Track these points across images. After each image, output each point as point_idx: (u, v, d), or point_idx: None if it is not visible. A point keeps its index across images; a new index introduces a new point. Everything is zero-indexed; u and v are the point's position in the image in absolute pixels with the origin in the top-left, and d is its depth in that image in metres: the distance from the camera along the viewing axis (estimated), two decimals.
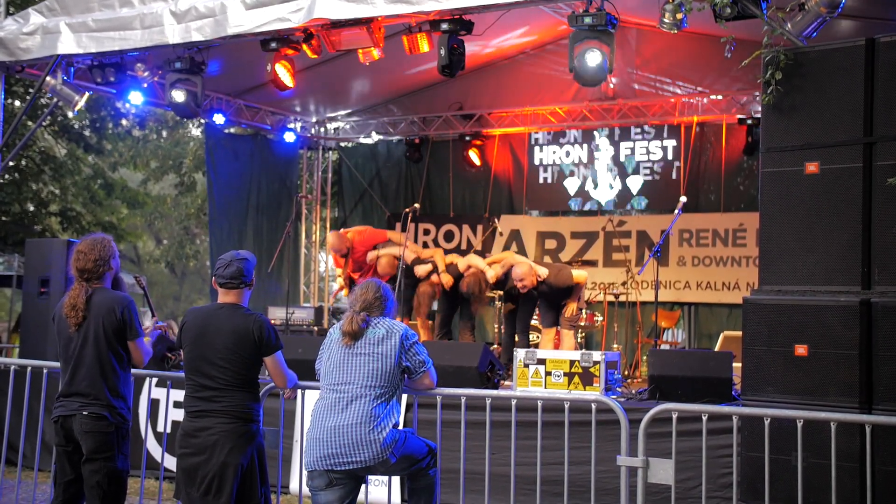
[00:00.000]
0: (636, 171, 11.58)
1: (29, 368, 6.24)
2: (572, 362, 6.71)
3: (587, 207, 11.87)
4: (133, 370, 4.95)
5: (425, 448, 4.67)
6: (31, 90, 14.77)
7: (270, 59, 7.87)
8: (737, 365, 6.07)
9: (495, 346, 9.56)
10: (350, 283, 9.41)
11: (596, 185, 11.78)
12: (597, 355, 6.69)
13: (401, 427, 4.58)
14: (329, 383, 4.50)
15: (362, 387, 4.40)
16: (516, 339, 8.73)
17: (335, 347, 4.56)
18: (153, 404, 7.28)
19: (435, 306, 13.18)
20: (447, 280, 8.78)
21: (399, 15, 6.91)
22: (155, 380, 6.94)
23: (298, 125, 12.79)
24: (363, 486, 4.69)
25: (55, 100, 9.21)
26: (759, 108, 5.74)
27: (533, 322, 9.15)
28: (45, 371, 6.19)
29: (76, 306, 4.72)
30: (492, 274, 8.54)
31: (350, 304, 4.68)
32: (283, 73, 8.12)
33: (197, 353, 4.51)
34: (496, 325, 10.11)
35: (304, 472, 4.54)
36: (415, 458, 4.56)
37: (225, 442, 4.40)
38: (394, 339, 4.50)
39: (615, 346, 10.26)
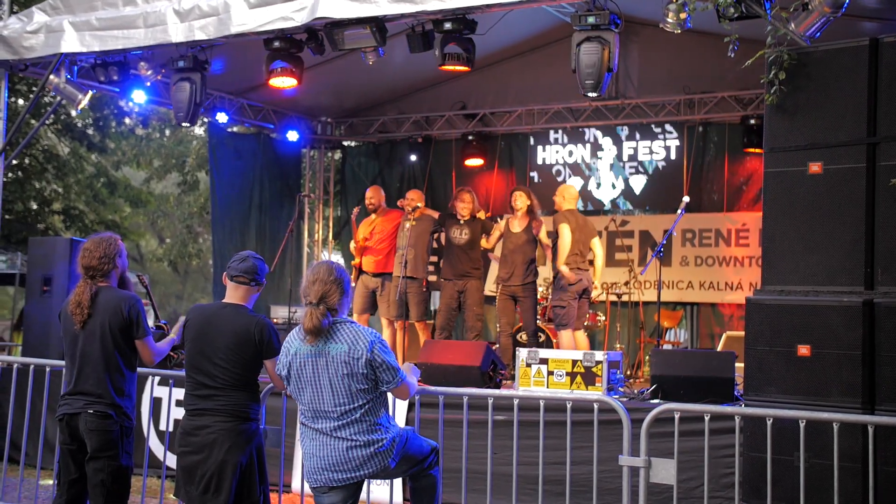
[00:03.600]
0: (639, 171, 11.57)
1: (32, 367, 6.26)
2: (574, 362, 6.71)
3: (590, 207, 11.85)
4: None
5: (426, 448, 4.54)
6: (34, 89, 14.80)
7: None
8: (739, 365, 6.06)
9: (496, 345, 9.57)
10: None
11: (599, 185, 11.77)
12: (599, 355, 6.69)
13: (399, 425, 4.47)
14: (308, 407, 4.19)
15: (345, 411, 4.11)
16: (524, 338, 8.77)
17: (300, 358, 4.18)
18: (156, 403, 7.29)
19: (437, 304, 13.20)
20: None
21: (402, 14, 6.91)
22: (157, 378, 6.94)
23: (301, 124, 12.79)
24: (364, 485, 4.69)
25: (58, 98, 9.23)
26: (763, 108, 5.72)
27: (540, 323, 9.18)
28: (47, 369, 6.20)
29: (81, 304, 4.73)
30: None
31: (303, 294, 4.21)
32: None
33: (198, 351, 4.51)
34: (497, 325, 10.12)
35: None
36: (415, 458, 4.45)
37: (224, 440, 4.40)
38: (359, 353, 4.08)
39: (618, 345, 10.26)
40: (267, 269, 4.75)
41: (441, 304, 9.21)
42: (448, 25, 7.09)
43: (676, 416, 4.84)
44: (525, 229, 8.70)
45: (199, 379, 4.49)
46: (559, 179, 11.94)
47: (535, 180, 12.11)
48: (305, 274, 4.30)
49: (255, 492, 4.51)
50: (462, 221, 9.07)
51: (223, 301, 4.65)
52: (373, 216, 9.58)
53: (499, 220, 10.79)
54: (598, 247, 8.82)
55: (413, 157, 12.71)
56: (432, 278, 9.94)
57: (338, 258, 15.20)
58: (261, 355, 4.51)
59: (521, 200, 8.75)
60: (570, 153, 11.99)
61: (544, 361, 6.80)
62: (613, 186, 11.69)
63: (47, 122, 16.76)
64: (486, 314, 12.49)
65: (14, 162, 15.94)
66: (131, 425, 4.81)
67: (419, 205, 9.23)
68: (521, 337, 9.07)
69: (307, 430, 4.24)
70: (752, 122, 10.43)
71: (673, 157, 11.38)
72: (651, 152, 11.51)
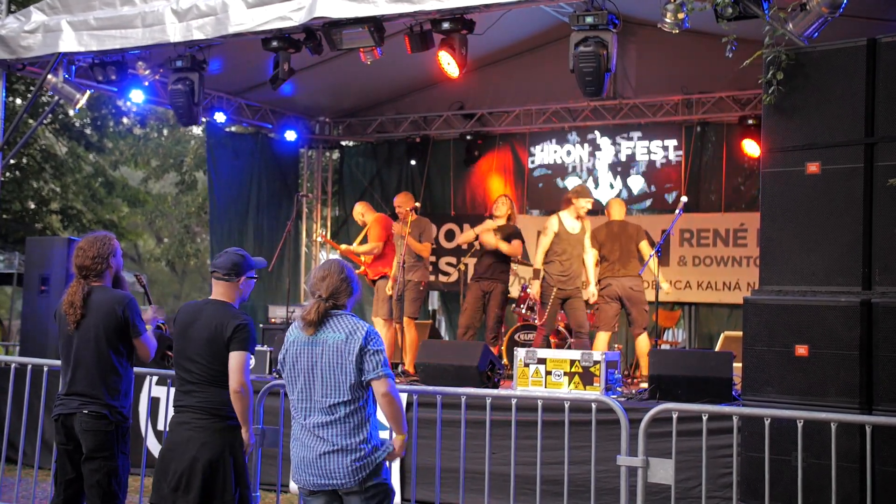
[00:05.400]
0: (637, 171, 11.58)
1: (29, 366, 6.25)
2: (572, 362, 6.71)
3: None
4: (134, 368, 4.96)
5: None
6: (32, 88, 14.78)
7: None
8: (737, 365, 6.07)
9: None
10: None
11: (597, 185, 11.77)
12: (597, 355, 6.70)
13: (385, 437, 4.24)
14: (298, 398, 4.14)
15: (332, 405, 4.04)
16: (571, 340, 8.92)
17: (297, 346, 4.14)
18: (153, 403, 7.29)
19: (436, 304, 13.19)
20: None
21: (400, 14, 6.91)
22: (155, 378, 6.96)
23: (299, 124, 12.78)
24: None
25: (56, 98, 9.21)
26: (761, 108, 5.73)
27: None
28: (45, 369, 6.20)
29: (74, 303, 4.73)
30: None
31: (312, 290, 4.16)
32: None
33: (180, 347, 4.53)
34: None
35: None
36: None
37: (197, 437, 4.38)
38: (354, 342, 4.03)
39: (615, 345, 10.25)
40: (253, 262, 4.68)
41: (467, 303, 9.28)
42: (446, 25, 7.09)
43: (674, 416, 4.85)
44: (581, 230, 8.78)
45: (181, 375, 4.52)
46: (557, 179, 11.96)
47: (533, 180, 12.11)
48: (313, 271, 4.26)
49: (229, 492, 4.42)
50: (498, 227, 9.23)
51: (210, 297, 4.64)
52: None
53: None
54: (646, 248, 8.96)
55: (411, 158, 12.70)
56: (442, 278, 10.04)
57: (335, 258, 15.20)
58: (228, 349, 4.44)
59: (584, 201, 8.78)
60: (568, 153, 11.98)
61: (542, 361, 6.80)
62: (611, 186, 11.69)
63: (45, 121, 16.74)
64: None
65: (12, 161, 15.91)
66: (127, 425, 4.80)
67: (414, 205, 9.29)
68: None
69: (296, 428, 4.19)
70: (750, 122, 10.43)
71: (671, 157, 11.38)
72: (649, 152, 11.51)
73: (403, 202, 9.19)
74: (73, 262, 4.84)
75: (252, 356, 4.52)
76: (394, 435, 4.15)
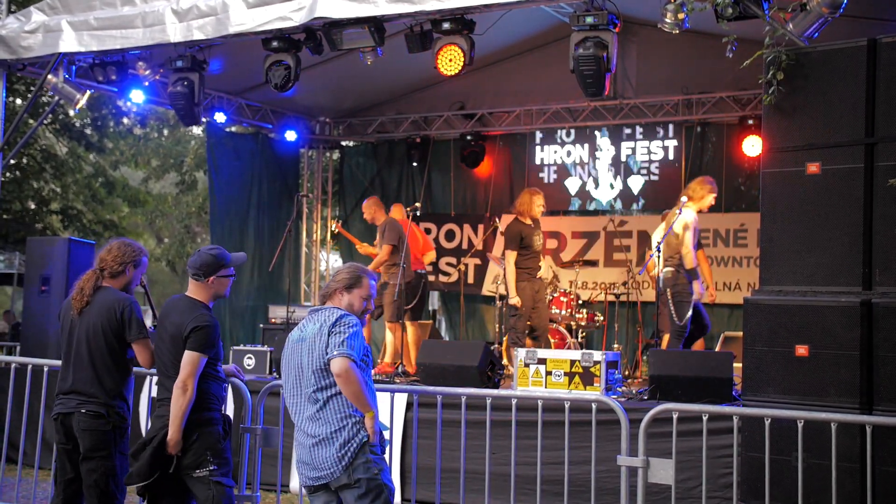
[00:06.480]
0: (637, 171, 11.57)
1: (30, 366, 6.25)
2: (573, 362, 6.71)
3: (588, 207, 11.86)
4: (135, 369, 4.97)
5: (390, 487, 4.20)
6: (32, 88, 14.78)
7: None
8: (737, 365, 6.07)
9: (495, 345, 9.57)
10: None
11: (597, 185, 11.77)
12: (597, 355, 6.69)
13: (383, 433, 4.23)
14: (290, 393, 4.23)
15: (315, 392, 4.09)
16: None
17: (289, 346, 4.26)
18: (153, 403, 7.28)
19: (436, 304, 13.15)
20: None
21: (400, 14, 6.91)
22: (156, 378, 6.93)
23: (300, 124, 12.78)
24: None
25: (56, 98, 9.21)
26: (761, 109, 5.73)
27: None
28: (45, 369, 6.20)
29: (84, 289, 4.80)
30: None
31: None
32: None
33: (158, 340, 4.65)
34: (496, 325, 10.11)
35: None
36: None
37: (164, 428, 4.45)
38: (325, 328, 4.11)
39: (615, 345, 10.26)
40: (228, 260, 4.67)
41: (529, 307, 8.78)
42: (446, 25, 7.08)
43: (675, 417, 4.85)
44: None
45: (159, 368, 4.63)
46: (557, 180, 11.96)
47: (534, 181, 12.10)
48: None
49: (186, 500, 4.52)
50: (533, 225, 8.78)
51: (184, 293, 4.70)
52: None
53: (497, 220, 10.77)
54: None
55: (411, 158, 12.69)
56: (443, 278, 9.92)
57: (335, 259, 15.20)
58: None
59: (711, 197, 8.17)
60: (569, 153, 11.98)
61: (542, 361, 6.81)
62: (612, 187, 11.69)
63: (45, 121, 16.74)
64: (484, 316, 12.49)
65: (12, 161, 15.93)
66: (126, 426, 4.81)
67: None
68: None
69: (296, 430, 4.24)
70: (751, 122, 10.43)
71: (671, 157, 11.37)
72: (649, 152, 11.50)
73: (365, 207, 9.39)
74: (98, 254, 4.94)
75: (206, 358, 4.49)
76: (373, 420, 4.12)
